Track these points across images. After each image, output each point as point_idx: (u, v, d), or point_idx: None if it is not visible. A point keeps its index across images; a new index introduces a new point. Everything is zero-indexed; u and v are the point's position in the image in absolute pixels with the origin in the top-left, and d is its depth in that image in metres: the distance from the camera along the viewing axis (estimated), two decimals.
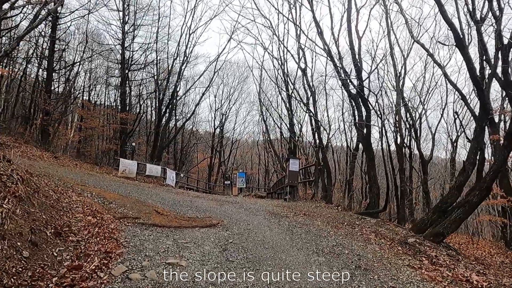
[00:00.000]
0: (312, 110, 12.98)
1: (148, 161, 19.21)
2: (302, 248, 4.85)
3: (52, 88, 18.07)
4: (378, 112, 11.02)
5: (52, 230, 4.07)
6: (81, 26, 21.27)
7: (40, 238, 3.71)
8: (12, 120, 16.17)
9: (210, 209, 7.91)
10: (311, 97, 13.61)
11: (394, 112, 10.05)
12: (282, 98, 19.45)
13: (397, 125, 10.10)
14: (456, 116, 19.65)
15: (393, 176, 13.82)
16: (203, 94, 24.18)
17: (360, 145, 19.92)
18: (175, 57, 19.68)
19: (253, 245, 4.87)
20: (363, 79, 10.80)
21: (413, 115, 16.35)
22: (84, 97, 24.69)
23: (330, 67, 21.77)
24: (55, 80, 18.25)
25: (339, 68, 11.24)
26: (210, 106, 37.97)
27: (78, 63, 18.63)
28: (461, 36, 7.25)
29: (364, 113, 11.11)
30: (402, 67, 15.84)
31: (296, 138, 18.15)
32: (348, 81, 10.94)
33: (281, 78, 17.91)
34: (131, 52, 19.55)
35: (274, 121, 23.27)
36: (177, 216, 6.66)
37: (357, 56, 10.75)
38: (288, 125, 18.57)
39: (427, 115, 17.33)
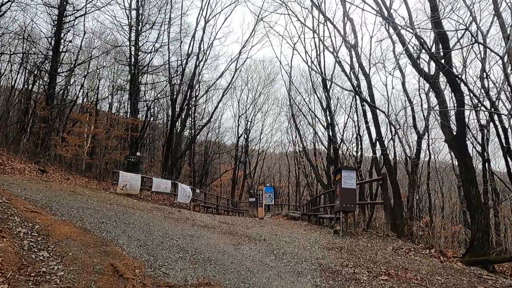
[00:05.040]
0: (368, 98, 9.21)
1: (160, 174, 16.46)
2: None
3: (56, 93, 16.13)
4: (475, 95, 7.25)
5: None
6: (91, 27, 19.49)
7: None
8: None
9: (217, 257, 4.65)
10: (364, 80, 9.87)
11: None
12: (317, 95, 15.97)
13: None
14: None
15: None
16: (223, 94, 21.21)
17: (427, 152, 15.85)
18: (189, 53, 16.99)
19: None
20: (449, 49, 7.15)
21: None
22: (103, 108, 22.90)
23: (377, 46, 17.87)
24: (58, 84, 16.23)
25: (405, 34, 7.72)
26: (234, 114, 35.32)
27: (81, 65, 16.52)
28: None
29: (451, 101, 7.47)
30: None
31: (338, 144, 14.29)
32: (426, 54, 7.36)
33: (317, 68, 14.41)
34: (138, 51, 17.07)
35: (307, 122, 19.61)
36: (147, 284, 3.44)
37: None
38: (325, 127, 14.91)
39: None
